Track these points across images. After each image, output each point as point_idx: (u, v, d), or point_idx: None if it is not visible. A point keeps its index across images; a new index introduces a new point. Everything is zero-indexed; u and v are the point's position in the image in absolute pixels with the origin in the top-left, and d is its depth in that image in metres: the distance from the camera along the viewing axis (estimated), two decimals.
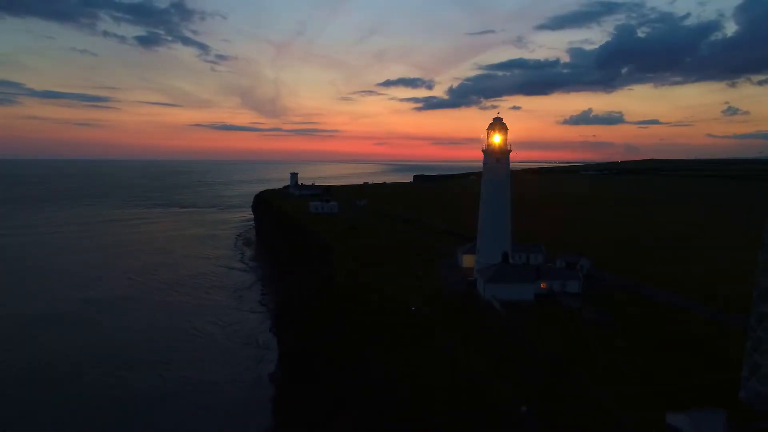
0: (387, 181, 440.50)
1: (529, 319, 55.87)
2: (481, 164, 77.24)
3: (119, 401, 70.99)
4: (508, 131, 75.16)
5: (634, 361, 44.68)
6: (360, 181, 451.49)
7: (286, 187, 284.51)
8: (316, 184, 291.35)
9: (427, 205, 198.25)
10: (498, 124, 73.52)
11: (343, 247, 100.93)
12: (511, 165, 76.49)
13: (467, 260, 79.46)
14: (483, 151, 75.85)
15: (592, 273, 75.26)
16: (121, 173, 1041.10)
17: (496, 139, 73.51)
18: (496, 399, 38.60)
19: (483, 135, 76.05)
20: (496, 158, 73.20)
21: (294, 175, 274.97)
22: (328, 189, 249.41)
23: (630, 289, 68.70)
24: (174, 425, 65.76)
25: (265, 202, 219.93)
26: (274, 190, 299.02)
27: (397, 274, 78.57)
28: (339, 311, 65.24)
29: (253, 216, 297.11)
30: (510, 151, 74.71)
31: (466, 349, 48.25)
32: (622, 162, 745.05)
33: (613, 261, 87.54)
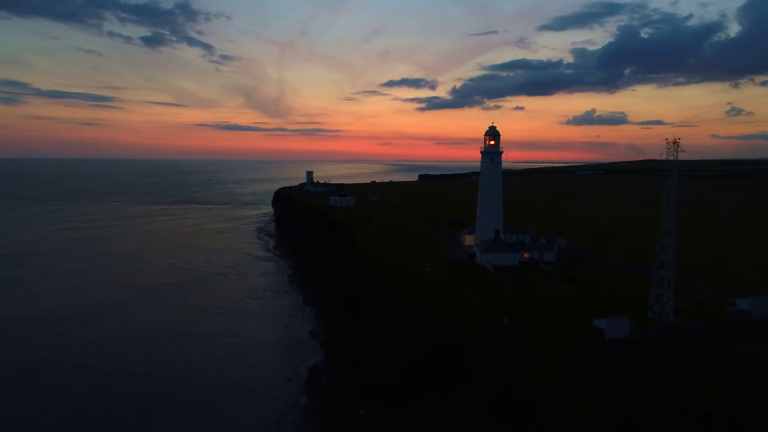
0: (393, 180, 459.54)
1: (513, 276, 76.00)
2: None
3: (195, 365, 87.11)
4: (501, 136, 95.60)
5: (579, 297, 64.85)
6: (365, 180, 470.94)
7: (302, 185, 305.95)
8: (327, 182, 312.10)
9: (433, 201, 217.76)
10: (492, 131, 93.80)
11: (365, 232, 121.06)
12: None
13: (468, 239, 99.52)
14: (481, 152, 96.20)
15: (566, 248, 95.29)
16: (132, 172, 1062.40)
17: (491, 143, 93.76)
18: (485, 314, 58.76)
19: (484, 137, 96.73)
20: (491, 158, 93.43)
21: (310, 174, 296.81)
22: (342, 186, 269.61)
23: (592, 259, 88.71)
24: (238, 377, 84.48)
25: (286, 198, 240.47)
26: (290, 187, 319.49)
27: (414, 250, 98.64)
28: (371, 275, 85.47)
29: (269, 211, 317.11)
30: (502, 152, 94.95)
31: (464, 291, 68.37)
32: (621, 162, 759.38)
33: (588, 241, 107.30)
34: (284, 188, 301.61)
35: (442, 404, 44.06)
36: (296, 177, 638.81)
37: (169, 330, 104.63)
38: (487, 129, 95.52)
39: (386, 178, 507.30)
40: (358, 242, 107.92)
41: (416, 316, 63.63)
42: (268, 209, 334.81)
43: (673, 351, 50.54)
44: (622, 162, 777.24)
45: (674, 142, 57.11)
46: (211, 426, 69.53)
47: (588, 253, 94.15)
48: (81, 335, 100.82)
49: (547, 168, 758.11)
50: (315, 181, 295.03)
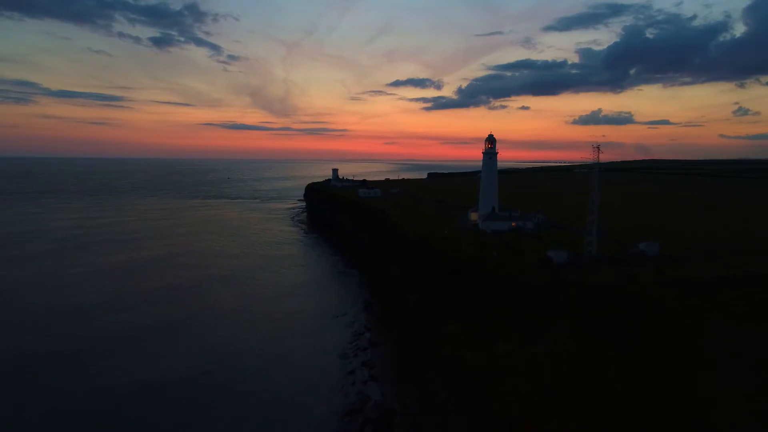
0: (404, 178, 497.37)
1: (503, 236, 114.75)
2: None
3: (277, 313, 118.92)
4: (497, 141, 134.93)
5: (542, 245, 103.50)
6: (376, 178, 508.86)
7: (327, 180, 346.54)
8: (351, 178, 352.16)
9: (444, 194, 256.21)
10: (490, 138, 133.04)
11: (396, 213, 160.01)
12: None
13: (473, 216, 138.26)
14: (482, 152, 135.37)
15: (544, 220, 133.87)
16: (151, 170, 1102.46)
17: (489, 146, 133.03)
18: (483, 255, 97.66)
19: (484, 142, 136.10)
20: (489, 156, 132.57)
21: (335, 170, 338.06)
22: (365, 181, 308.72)
23: (560, 227, 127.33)
24: (313, 312, 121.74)
25: (318, 191, 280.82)
26: (318, 182, 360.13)
27: (434, 222, 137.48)
28: (408, 237, 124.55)
29: (295, 204, 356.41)
30: (497, 153, 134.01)
31: (467, 244, 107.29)
32: (622, 162, 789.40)
33: (562, 218, 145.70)
34: (313, 183, 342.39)
35: (457, 288, 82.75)
36: (311, 175, 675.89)
37: (253, 297, 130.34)
38: (487, 136, 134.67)
39: (396, 177, 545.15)
40: (393, 219, 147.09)
41: (440, 256, 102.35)
42: (294, 203, 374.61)
43: (590, 267, 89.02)
44: (623, 161, 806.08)
45: (597, 147, 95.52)
46: (306, 333, 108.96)
47: (559, 224, 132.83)
48: (184, 307, 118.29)
49: (545, 167, 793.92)
50: (341, 177, 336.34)
